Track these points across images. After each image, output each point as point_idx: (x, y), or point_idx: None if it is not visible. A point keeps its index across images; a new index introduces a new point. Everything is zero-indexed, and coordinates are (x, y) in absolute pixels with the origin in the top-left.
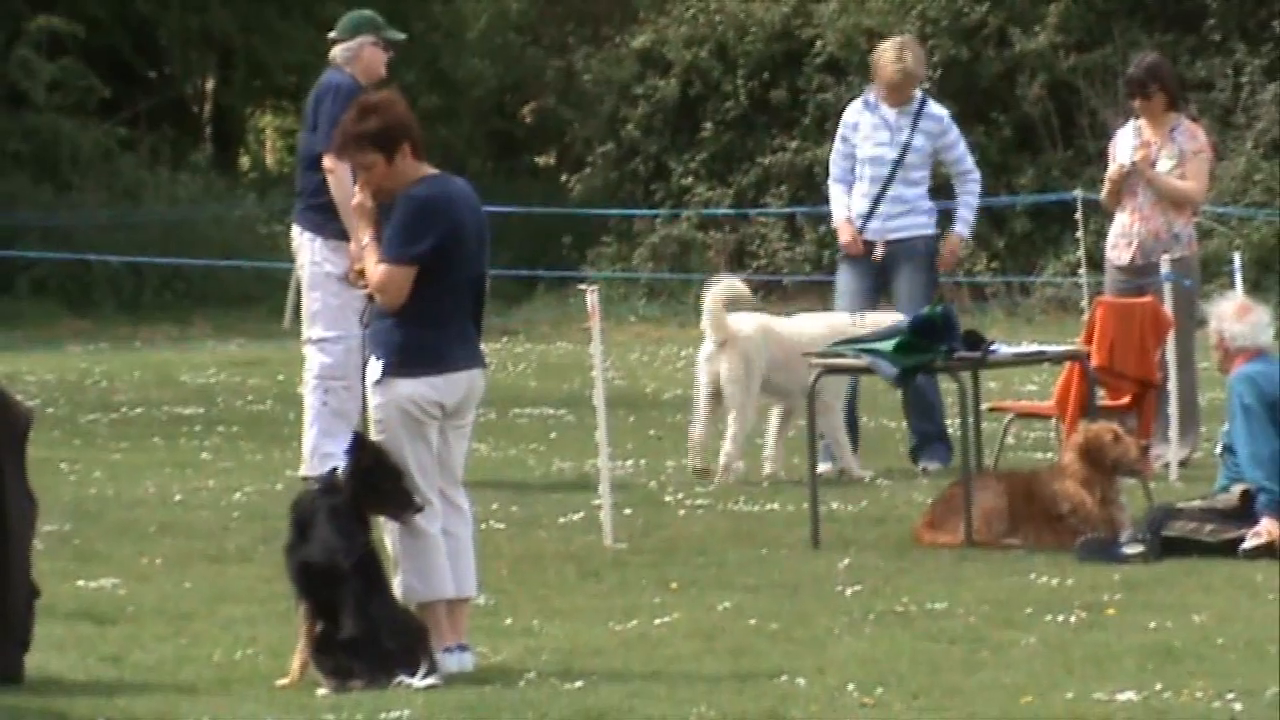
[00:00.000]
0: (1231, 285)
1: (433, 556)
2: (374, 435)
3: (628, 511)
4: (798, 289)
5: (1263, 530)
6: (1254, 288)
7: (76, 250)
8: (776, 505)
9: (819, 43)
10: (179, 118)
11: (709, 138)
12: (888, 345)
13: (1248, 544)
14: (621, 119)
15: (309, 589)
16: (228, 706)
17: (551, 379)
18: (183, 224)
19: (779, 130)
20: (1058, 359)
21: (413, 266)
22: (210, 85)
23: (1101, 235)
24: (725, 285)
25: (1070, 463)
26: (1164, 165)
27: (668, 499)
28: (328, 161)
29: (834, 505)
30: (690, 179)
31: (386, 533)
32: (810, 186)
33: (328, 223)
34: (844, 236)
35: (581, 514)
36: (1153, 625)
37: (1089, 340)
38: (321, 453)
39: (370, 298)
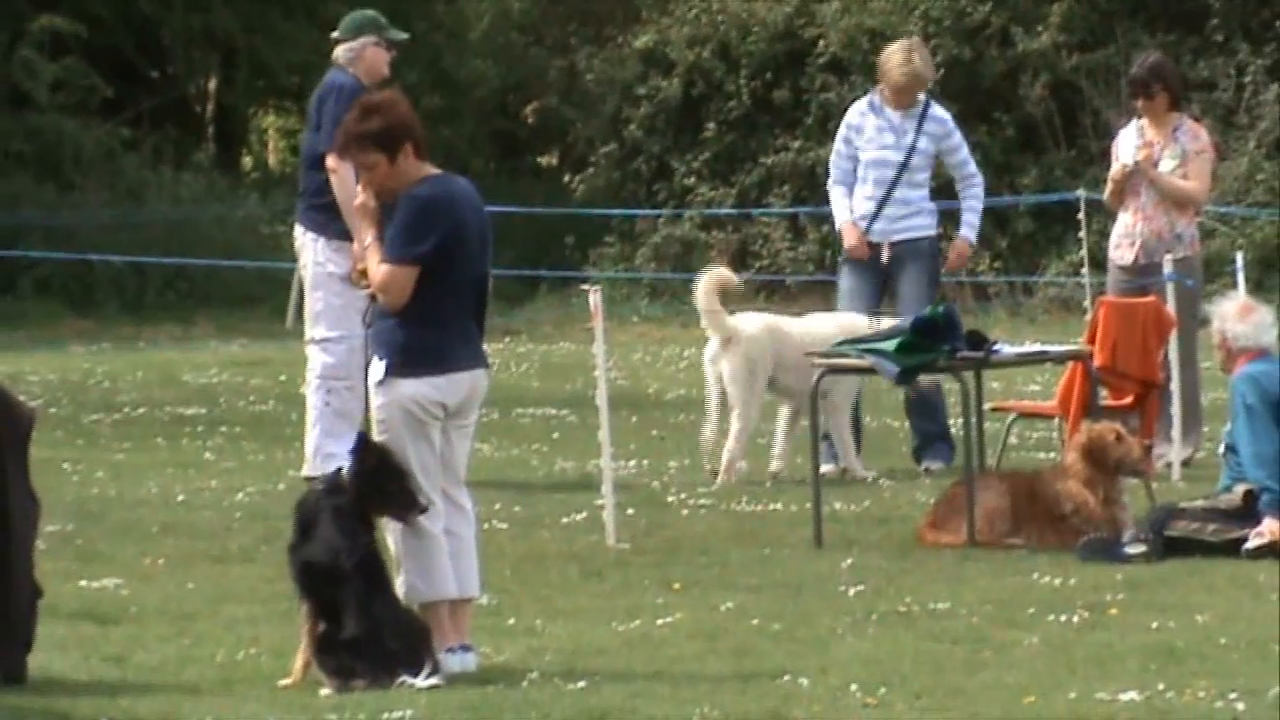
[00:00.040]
0: (1234, 285)
1: (435, 556)
2: (376, 435)
3: (630, 511)
4: (800, 289)
5: (1265, 530)
6: (1256, 287)
7: (79, 250)
8: (779, 505)
9: (822, 43)
10: (182, 118)
11: (711, 138)
12: (890, 345)
13: (1250, 544)
14: (624, 119)
15: (311, 589)
16: (230, 707)
17: (554, 379)
18: (185, 224)
19: (782, 130)
20: (1060, 359)
21: (415, 266)
22: (213, 85)
23: (1104, 235)
24: (713, 278)
25: (1073, 463)
26: (1167, 165)
27: (670, 499)
28: (330, 161)
29: (837, 505)
30: (693, 179)
31: (389, 533)
32: (813, 186)
33: (330, 223)
34: (850, 240)
35: (584, 514)
36: (1155, 625)
37: (1092, 340)
38: (324, 453)
39: (373, 298)
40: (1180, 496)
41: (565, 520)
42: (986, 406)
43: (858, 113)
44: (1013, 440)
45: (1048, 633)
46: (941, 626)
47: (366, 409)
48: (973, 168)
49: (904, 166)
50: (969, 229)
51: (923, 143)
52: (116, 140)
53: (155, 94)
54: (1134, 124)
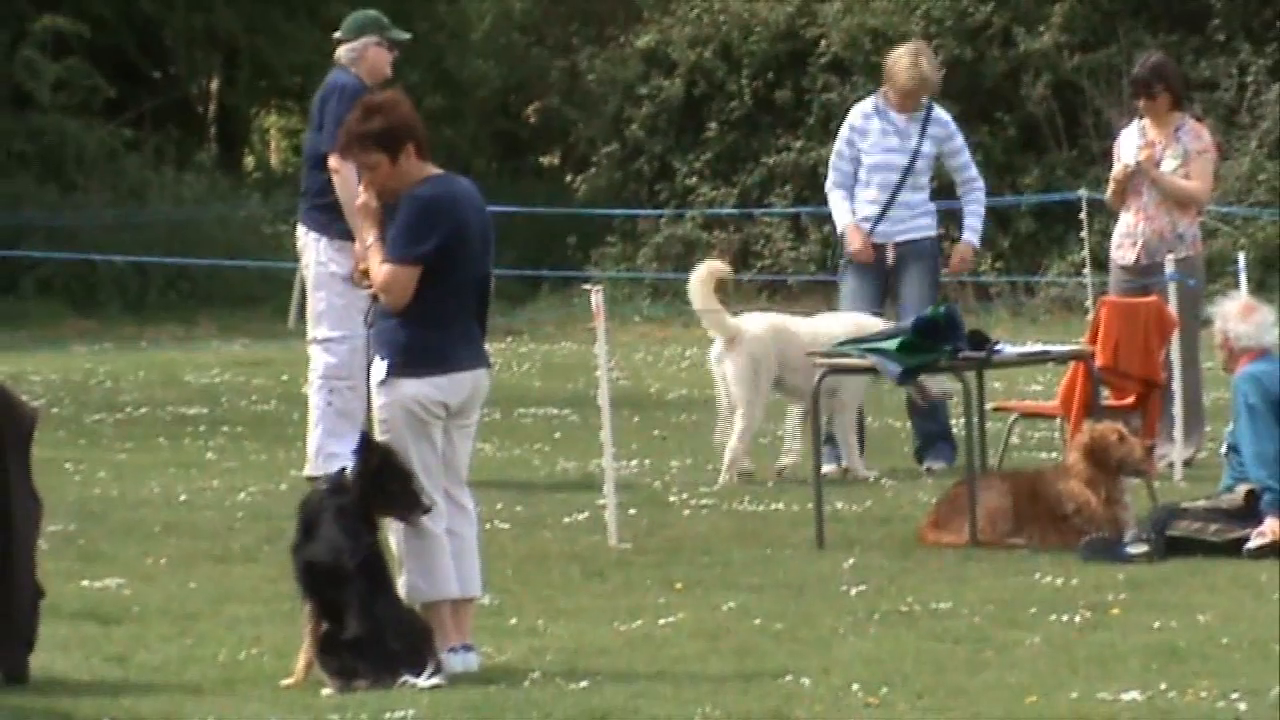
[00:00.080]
0: (1236, 285)
1: (437, 556)
2: (378, 435)
3: (632, 511)
4: (802, 289)
5: (1267, 530)
6: (1258, 287)
7: (81, 250)
8: (781, 505)
9: (823, 42)
10: (184, 118)
11: (713, 137)
12: (891, 345)
13: (1252, 544)
14: (626, 119)
15: (314, 589)
16: (232, 706)
17: (556, 379)
18: (188, 224)
19: (783, 130)
20: (1062, 359)
21: (417, 266)
22: (215, 85)
23: (1106, 235)
24: (704, 274)
25: (1075, 462)
26: (1168, 165)
27: (672, 499)
28: (333, 161)
29: (839, 505)
30: (695, 179)
31: (391, 532)
32: (815, 186)
33: (333, 223)
34: (856, 244)
35: (586, 514)
36: (1157, 625)
37: (1093, 340)
38: (326, 453)
39: (374, 298)
40: (1182, 496)
41: (567, 520)
42: (988, 406)
43: (861, 115)
44: (1014, 440)
45: (1050, 632)
46: (943, 626)
47: (369, 409)
48: (974, 171)
49: (908, 170)
50: (972, 233)
51: (926, 146)
52: (119, 140)
53: (157, 94)
54: (1136, 124)
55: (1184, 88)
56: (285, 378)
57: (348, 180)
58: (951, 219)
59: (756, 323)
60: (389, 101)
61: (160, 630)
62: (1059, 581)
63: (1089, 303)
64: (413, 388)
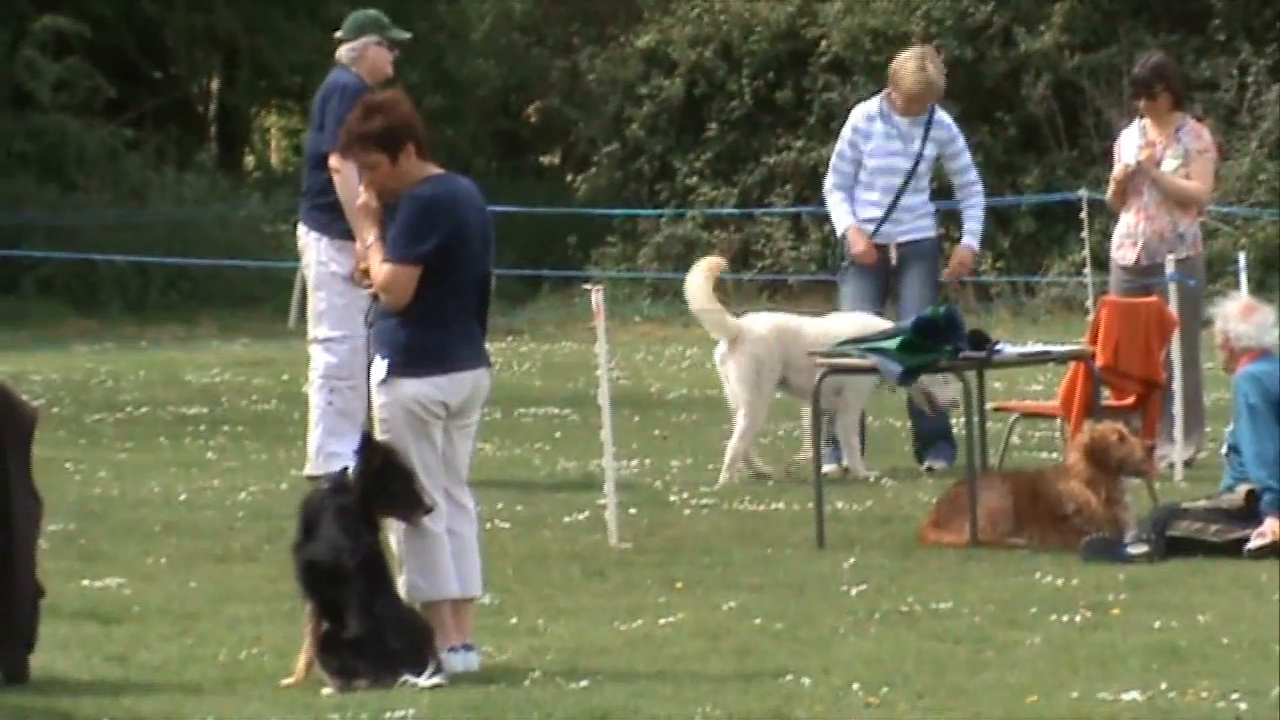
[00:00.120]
0: (1236, 285)
1: (438, 556)
2: (379, 435)
3: (633, 511)
4: (803, 288)
5: (1268, 530)
6: (1259, 287)
7: (82, 250)
8: (781, 505)
9: (824, 42)
10: (184, 118)
11: (714, 137)
12: (892, 344)
13: (1253, 544)
14: (626, 119)
15: (314, 588)
16: (233, 706)
17: (556, 379)
18: (188, 224)
19: (784, 130)
20: (1063, 359)
21: (417, 266)
22: (215, 85)
23: (1106, 235)
24: (702, 272)
25: (1075, 463)
26: (1169, 165)
27: (672, 498)
28: (333, 161)
29: (839, 505)
30: (695, 179)
31: (391, 532)
32: (815, 186)
33: (333, 222)
34: (859, 246)
35: (586, 513)
36: (1157, 625)
37: (1094, 340)
38: (326, 452)
39: (375, 297)
40: (1182, 497)
41: (567, 520)
42: (989, 406)
43: (864, 117)
44: (1015, 440)
45: (1050, 633)
46: (944, 626)
47: (369, 409)
48: (974, 174)
49: (911, 174)
50: (972, 237)
51: (929, 149)
52: (119, 140)
53: (158, 94)
54: (1136, 124)
55: (1184, 88)
56: (286, 377)
57: (348, 180)
58: (951, 219)
59: (761, 323)
60: (389, 101)
61: (161, 630)
62: (1059, 581)
63: (1089, 303)
64: (413, 387)
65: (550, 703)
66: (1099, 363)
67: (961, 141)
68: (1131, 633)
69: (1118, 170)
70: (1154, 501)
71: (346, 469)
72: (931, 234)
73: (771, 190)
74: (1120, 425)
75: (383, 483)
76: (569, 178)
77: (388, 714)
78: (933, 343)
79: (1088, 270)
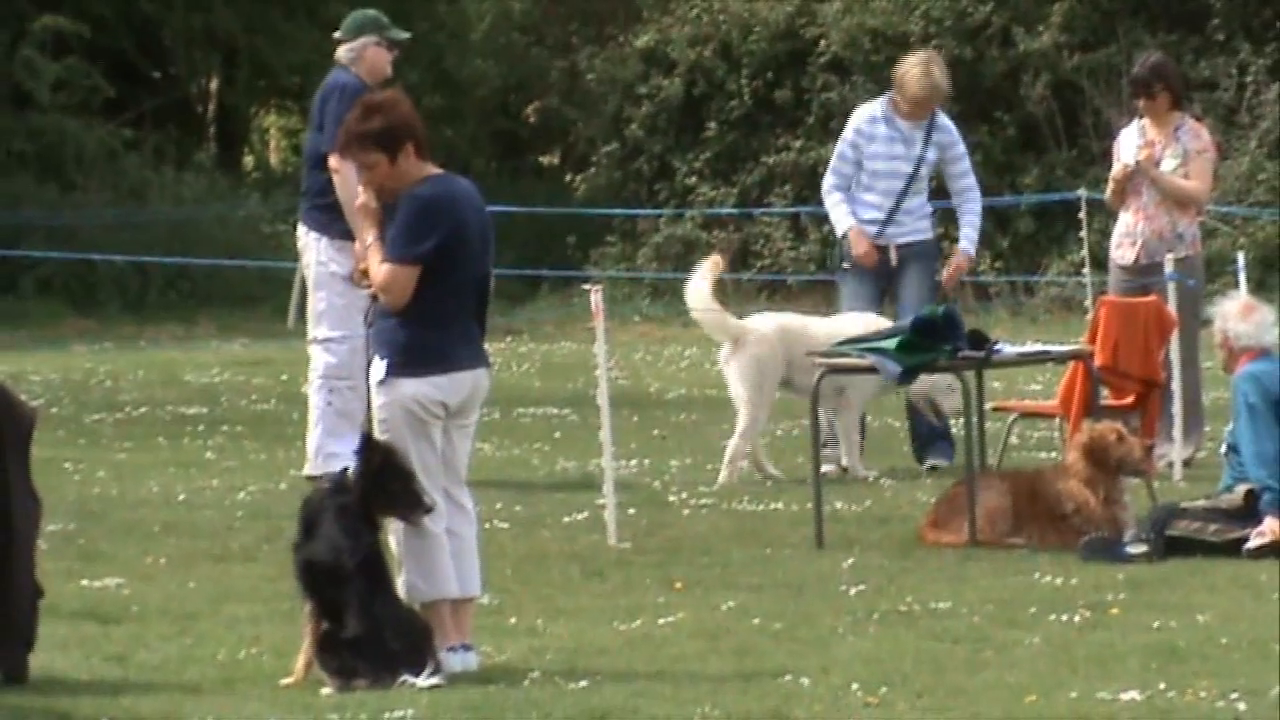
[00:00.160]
0: (1235, 285)
1: (437, 556)
2: (378, 435)
3: (632, 511)
4: (802, 288)
5: (1267, 530)
6: (1258, 287)
7: (81, 250)
8: (780, 505)
9: (823, 42)
10: (183, 118)
11: (713, 137)
12: (891, 344)
13: (1252, 544)
14: (625, 118)
15: (314, 587)
16: (232, 706)
17: (555, 379)
18: (187, 224)
19: (783, 130)
20: (1062, 358)
21: (416, 266)
22: (214, 85)
23: (1105, 235)
24: (704, 275)
25: (1074, 462)
26: (1168, 165)
27: (671, 498)
28: (333, 161)
29: (838, 505)
30: (694, 178)
31: (391, 532)
32: (814, 186)
33: (333, 222)
34: (860, 248)
35: (585, 513)
36: (1156, 625)
37: (1093, 340)
38: (326, 452)
39: (374, 297)
40: (1181, 496)
41: (566, 520)
42: (988, 406)
43: (868, 119)
44: (1014, 440)
45: (1049, 632)
46: (943, 626)
47: (368, 409)
48: (972, 180)
49: (913, 177)
50: (969, 243)
51: (930, 153)
52: (118, 140)
53: (157, 94)
54: (1135, 124)
55: (1183, 87)
56: (285, 377)
57: (348, 180)
58: (950, 219)
59: (765, 323)
60: (388, 101)
61: (160, 630)
62: (1058, 581)
63: (1088, 302)
64: (412, 387)
65: (549, 703)
66: (1098, 362)
67: (962, 147)
68: (1130, 632)
69: (1117, 170)
70: (1153, 501)
71: (347, 469)
72: (930, 235)
73: (770, 190)
74: (1119, 425)
75: (382, 483)
76: (568, 177)
77: (386, 714)
78: (932, 342)
79: (1087, 270)
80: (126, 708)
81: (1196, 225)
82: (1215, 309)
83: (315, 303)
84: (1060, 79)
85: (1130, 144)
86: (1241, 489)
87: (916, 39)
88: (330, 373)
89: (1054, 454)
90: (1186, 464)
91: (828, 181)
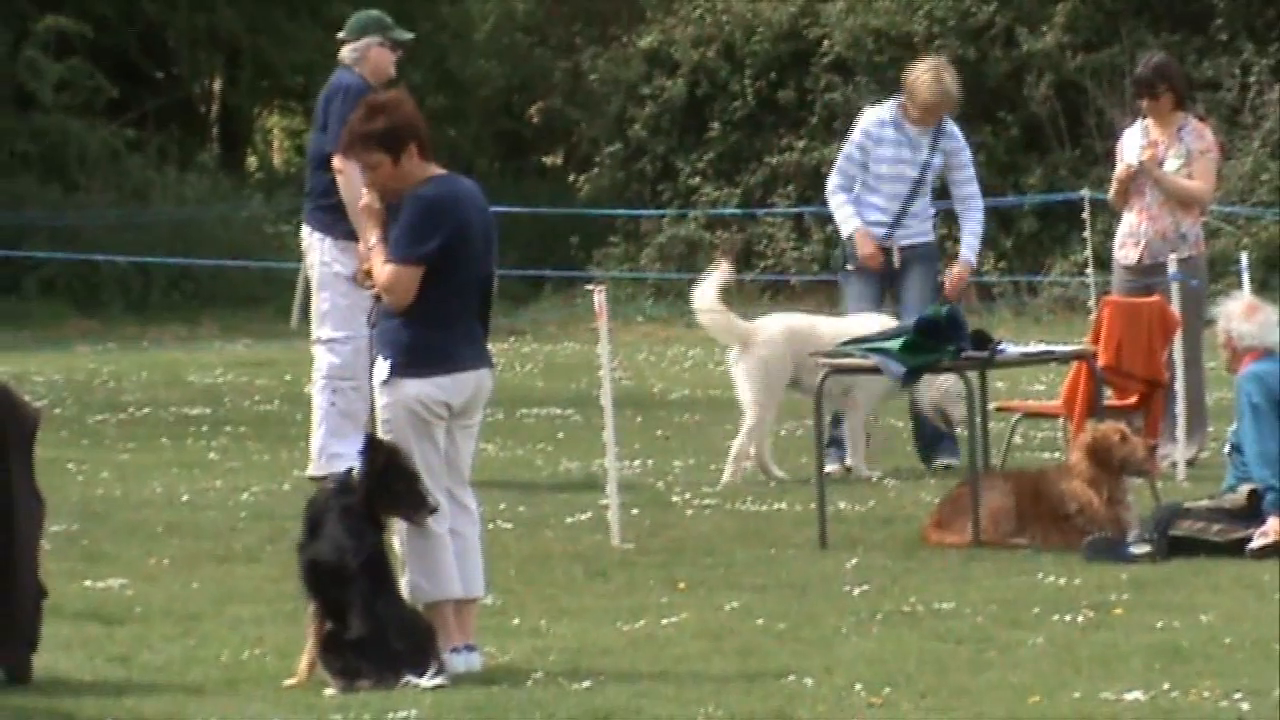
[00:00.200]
0: (1239, 285)
1: (440, 556)
2: (381, 435)
3: (635, 511)
4: (805, 289)
5: (1270, 530)
6: (1261, 287)
7: (84, 250)
8: (784, 505)
9: (826, 43)
10: (186, 118)
11: (716, 138)
12: (894, 344)
13: (1255, 544)
14: (629, 119)
15: (317, 588)
16: (235, 706)
17: (559, 379)
18: (190, 224)
19: (786, 130)
20: (1065, 359)
21: (420, 266)
22: (218, 85)
23: (1109, 235)
24: (713, 284)
25: (1077, 462)
26: (1171, 165)
27: (675, 499)
28: (337, 162)
29: (841, 505)
30: (697, 179)
31: (394, 533)
32: (818, 186)
33: (337, 223)
34: (866, 249)
35: (589, 514)
36: (1160, 625)
37: (1096, 340)
38: (329, 453)
39: (378, 298)
40: (1185, 496)
41: (570, 520)
42: (991, 406)
43: (876, 123)
44: (1017, 440)
45: (1052, 632)
46: (946, 626)
47: (372, 409)
48: (975, 189)
49: (919, 182)
50: (970, 251)
51: (936, 159)
52: (121, 141)
53: (160, 94)
54: (1139, 124)
55: (1187, 87)
56: (288, 378)
57: (352, 180)
58: (950, 220)
59: (773, 324)
60: (392, 101)
61: (163, 630)
62: (1062, 581)
63: (1092, 302)
64: (416, 388)
65: (553, 703)
66: (1101, 362)
67: (968, 154)
68: (1134, 632)
69: (1120, 170)
70: (1156, 501)
71: (351, 469)
72: (931, 238)
73: (774, 190)
74: (1122, 425)
75: (386, 483)
76: (571, 178)
77: (390, 714)
78: (935, 343)
79: (1090, 270)
80: (130, 708)
81: (1200, 225)
82: (1219, 309)
83: (319, 303)
84: (1063, 79)
85: (1134, 144)
86: (1245, 489)
87: (920, 39)
88: (334, 373)
89: (1057, 454)
90: (1190, 464)
91: (832, 182)
